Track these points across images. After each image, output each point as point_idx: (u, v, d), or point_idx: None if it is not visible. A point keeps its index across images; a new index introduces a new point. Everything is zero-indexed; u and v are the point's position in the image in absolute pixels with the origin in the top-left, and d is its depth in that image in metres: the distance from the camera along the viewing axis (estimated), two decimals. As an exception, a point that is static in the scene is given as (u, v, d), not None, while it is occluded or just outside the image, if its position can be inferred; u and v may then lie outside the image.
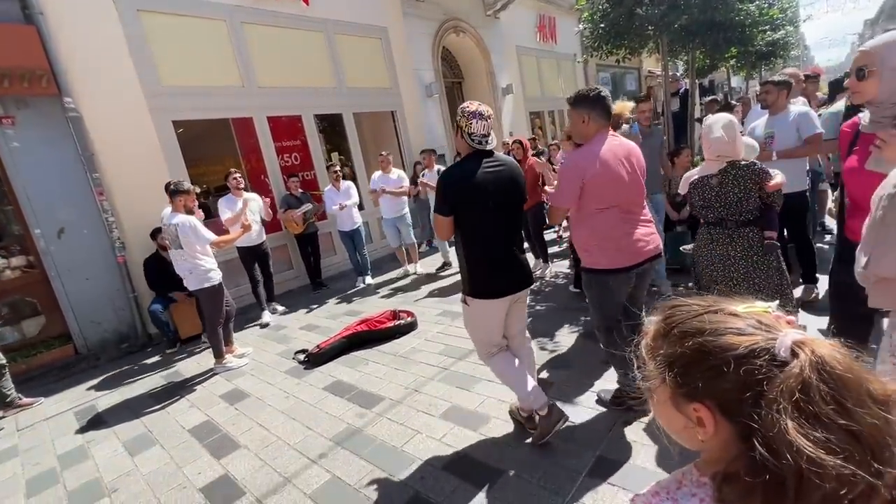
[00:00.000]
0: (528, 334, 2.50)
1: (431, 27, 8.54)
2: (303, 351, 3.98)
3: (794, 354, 0.49)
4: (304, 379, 3.57)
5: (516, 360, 2.33)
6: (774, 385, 0.47)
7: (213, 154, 7.22)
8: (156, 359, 4.63)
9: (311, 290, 6.20)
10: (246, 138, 6.25)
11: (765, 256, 2.43)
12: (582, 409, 2.53)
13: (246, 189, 5.33)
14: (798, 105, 3.61)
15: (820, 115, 3.62)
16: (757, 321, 0.54)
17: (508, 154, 5.79)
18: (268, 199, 5.51)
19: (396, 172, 5.96)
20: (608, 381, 2.74)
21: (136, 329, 5.01)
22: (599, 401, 2.55)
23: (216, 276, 3.89)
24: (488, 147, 2.13)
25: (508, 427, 2.48)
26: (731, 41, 6.13)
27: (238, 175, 5.10)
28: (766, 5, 6.34)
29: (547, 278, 5.14)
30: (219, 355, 3.98)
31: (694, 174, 2.58)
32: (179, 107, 5.37)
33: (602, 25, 5.39)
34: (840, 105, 3.67)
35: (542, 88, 12.23)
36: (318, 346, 3.88)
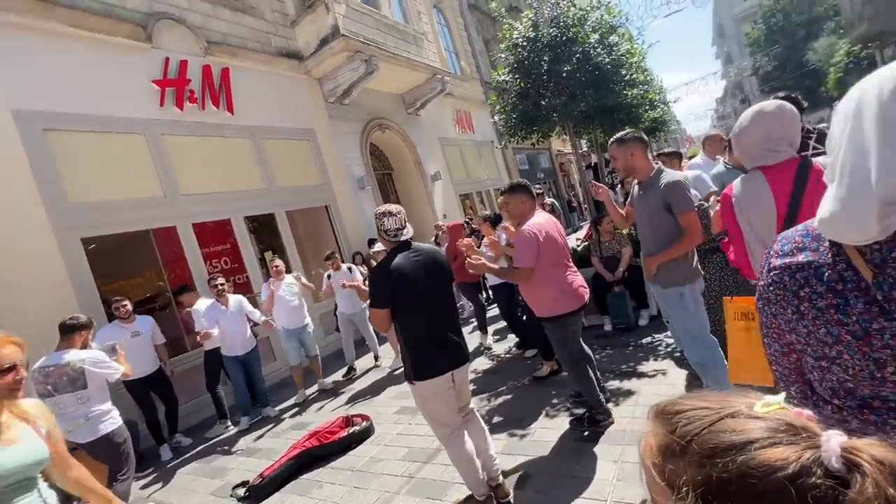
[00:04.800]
0: (472, 405, 2.58)
1: (357, 126, 9.02)
2: (243, 484, 3.40)
3: (849, 465, 0.41)
4: (246, 520, 3.00)
5: (470, 443, 2.42)
6: None
7: (131, 268, 6.64)
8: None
9: (249, 406, 5.52)
10: (169, 248, 5.87)
11: (733, 274, 3.00)
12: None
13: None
14: (692, 170, 4.09)
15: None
16: (784, 423, 0.45)
17: (437, 235, 5.96)
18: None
19: (291, 278, 5.33)
20: (587, 468, 2.58)
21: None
22: (574, 421, 3.04)
23: (117, 415, 3.22)
24: (404, 238, 2.39)
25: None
26: (622, 121, 7.10)
27: (125, 302, 4.47)
28: (642, 91, 7.52)
29: (492, 349, 5.19)
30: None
31: None
32: (90, 223, 4.97)
33: (514, 116, 6.02)
34: (720, 166, 4.23)
35: (467, 173, 13.11)
36: (260, 476, 3.35)
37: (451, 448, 2.39)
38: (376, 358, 5.86)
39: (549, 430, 3.09)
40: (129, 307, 4.52)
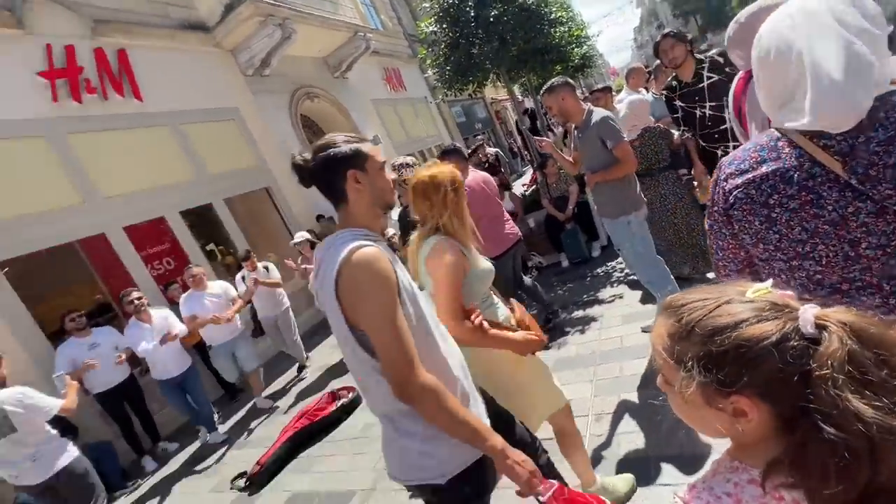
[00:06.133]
0: None
1: (284, 98, 8.49)
2: (241, 475, 3.43)
3: (820, 328, 0.50)
4: (254, 507, 3.06)
5: None
6: (820, 362, 0.48)
7: (63, 285, 6.11)
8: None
9: (228, 400, 5.45)
10: (102, 257, 5.43)
11: (686, 188, 3.31)
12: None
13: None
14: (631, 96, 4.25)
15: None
16: (770, 303, 0.55)
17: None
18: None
19: (217, 285, 4.66)
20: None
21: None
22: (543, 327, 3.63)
23: (71, 446, 2.91)
24: None
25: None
26: (553, 61, 7.17)
27: (78, 314, 4.12)
28: (568, 29, 7.58)
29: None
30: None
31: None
32: (1, 245, 4.47)
33: (448, 68, 5.90)
34: (648, 97, 4.45)
35: (406, 132, 12.82)
36: (258, 464, 3.38)
37: None
38: (300, 369, 5.25)
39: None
40: (83, 319, 4.14)
